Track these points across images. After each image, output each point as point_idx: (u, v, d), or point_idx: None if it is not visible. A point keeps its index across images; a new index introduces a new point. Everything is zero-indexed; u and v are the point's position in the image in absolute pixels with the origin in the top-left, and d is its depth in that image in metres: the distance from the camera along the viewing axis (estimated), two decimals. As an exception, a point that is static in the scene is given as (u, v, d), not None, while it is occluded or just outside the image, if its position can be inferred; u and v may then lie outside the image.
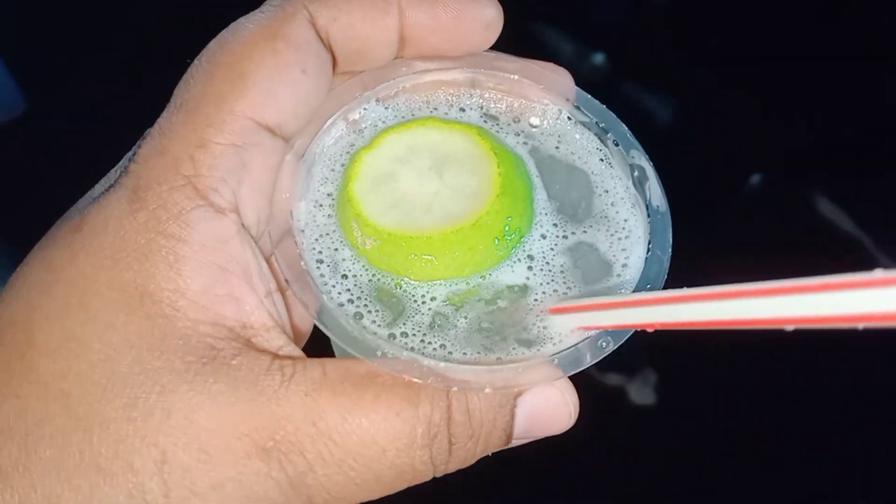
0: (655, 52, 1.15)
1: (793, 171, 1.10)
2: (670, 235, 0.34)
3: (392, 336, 0.31)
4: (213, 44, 0.31)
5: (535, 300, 0.33)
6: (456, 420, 0.29)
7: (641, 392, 1.03)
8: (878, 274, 0.19)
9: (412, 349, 0.31)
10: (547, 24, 1.16)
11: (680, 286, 0.27)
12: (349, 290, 0.32)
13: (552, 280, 0.33)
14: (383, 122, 0.36)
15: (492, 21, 0.33)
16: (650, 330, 0.28)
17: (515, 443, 0.31)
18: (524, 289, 0.33)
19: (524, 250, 0.34)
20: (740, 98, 1.11)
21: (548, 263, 0.34)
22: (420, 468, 0.29)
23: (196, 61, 0.31)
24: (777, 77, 1.09)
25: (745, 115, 1.13)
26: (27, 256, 0.30)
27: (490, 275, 0.33)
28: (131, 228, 0.28)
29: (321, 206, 0.34)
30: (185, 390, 0.27)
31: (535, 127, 0.37)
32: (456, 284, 0.33)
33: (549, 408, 0.30)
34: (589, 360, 0.31)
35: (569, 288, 0.33)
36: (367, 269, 0.33)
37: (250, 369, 0.28)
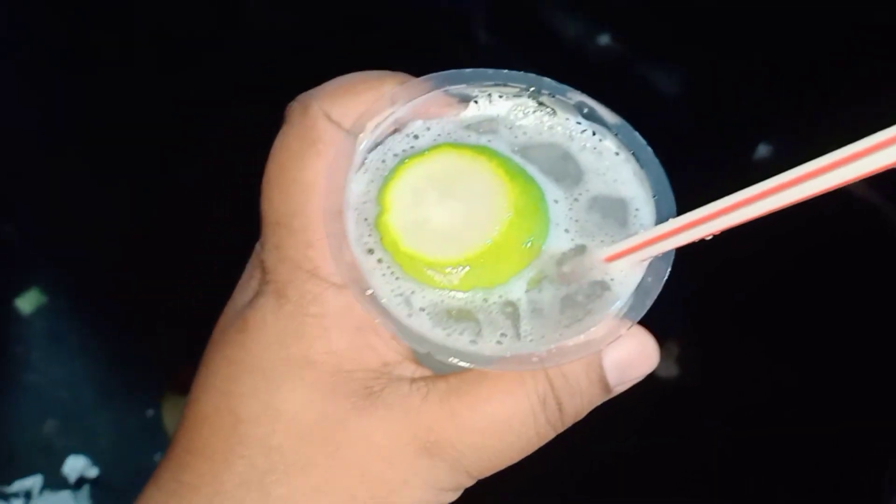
0: (660, 28, 1.16)
1: (801, 138, 1.11)
2: (638, 136, 0.40)
3: (473, 342, 0.37)
4: (272, 167, 0.39)
5: (591, 255, 0.38)
6: (556, 385, 0.37)
7: (664, 365, 1.05)
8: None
9: (501, 344, 0.37)
10: (552, 7, 1.18)
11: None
12: (428, 315, 0.38)
13: (594, 236, 0.39)
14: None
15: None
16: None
17: (620, 389, 0.39)
18: (579, 249, 0.38)
19: (553, 223, 0.39)
20: (745, 68, 1.12)
21: (577, 222, 0.39)
22: (542, 430, 0.38)
23: (266, 185, 0.39)
24: (782, 45, 1.10)
25: (751, 85, 1.13)
26: (205, 358, 0.40)
27: (545, 251, 0.38)
28: (283, 317, 0.37)
29: (381, 261, 0.38)
30: (358, 424, 0.37)
31: (496, 124, 0.41)
32: (521, 278, 0.38)
33: (630, 355, 0.38)
34: (653, 295, 0.37)
35: (613, 237, 0.38)
36: (440, 297, 0.38)
37: (398, 395, 0.37)
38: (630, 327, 0.37)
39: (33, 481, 1.15)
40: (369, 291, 0.37)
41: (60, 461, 1.16)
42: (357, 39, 1.25)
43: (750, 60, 1.12)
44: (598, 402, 0.39)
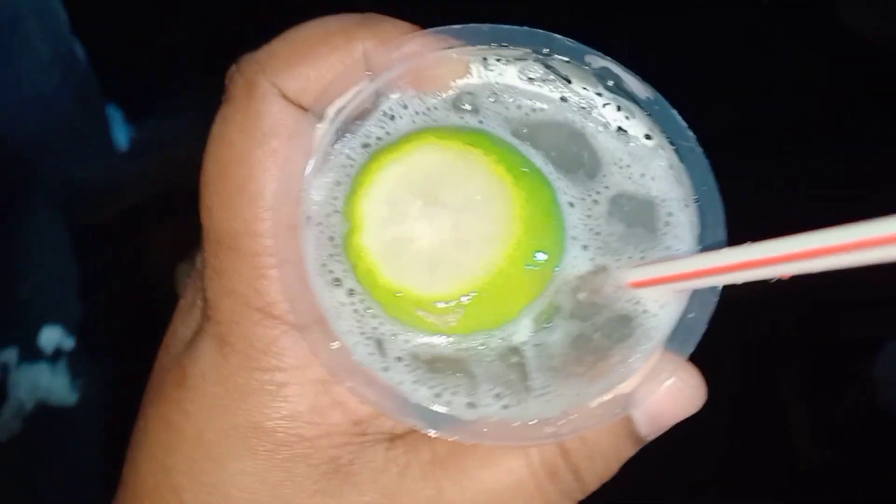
0: None
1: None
2: (678, 116, 0.31)
3: (471, 405, 0.29)
4: (212, 167, 0.31)
5: (612, 278, 0.30)
6: (571, 449, 0.30)
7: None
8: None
9: (506, 406, 0.29)
10: None
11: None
12: (409, 367, 0.30)
13: (617, 253, 0.31)
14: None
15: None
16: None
17: (653, 437, 0.31)
18: (599, 270, 0.30)
19: (569, 235, 0.31)
20: None
21: (598, 234, 0.31)
22: None
23: (205, 189, 0.31)
24: None
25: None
26: (142, 411, 0.33)
27: (558, 274, 0.30)
28: (227, 373, 0.30)
29: (353, 293, 0.30)
30: None
31: (494, 98, 0.32)
32: (529, 313, 0.30)
33: (668, 399, 0.30)
34: (697, 335, 0.29)
35: (641, 252, 0.30)
36: (426, 344, 0.30)
37: (369, 470, 0.30)
38: (669, 381, 0.29)
39: (9, 354, 1.11)
40: (335, 344, 0.29)
41: (35, 331, 1.12)
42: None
43: None
44: (629, 456, 0.31)
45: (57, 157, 1.06)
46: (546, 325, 0.30)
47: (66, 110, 1.04)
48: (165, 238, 1.15)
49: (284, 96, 0.30)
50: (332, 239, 0.30)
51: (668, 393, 0.29)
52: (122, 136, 1.17)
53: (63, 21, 0.99)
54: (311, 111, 0.30)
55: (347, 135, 0.31)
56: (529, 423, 0.28)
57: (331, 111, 0.30)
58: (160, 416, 0.32)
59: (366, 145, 0.31)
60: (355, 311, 0.30)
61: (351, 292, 0.30)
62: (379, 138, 0.31)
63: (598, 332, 0.30)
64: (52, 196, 1.09)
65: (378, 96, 0.31)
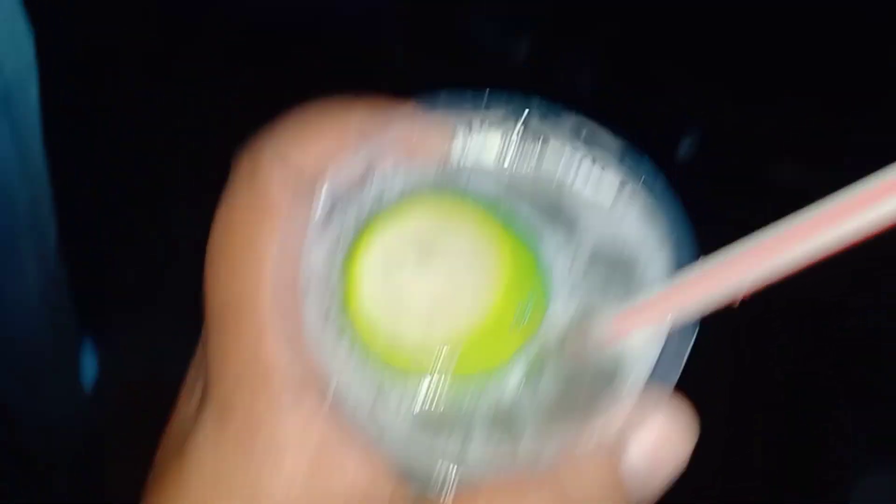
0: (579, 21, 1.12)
1: (726, 129, 1.08)
2: (648, 162, 0.34)
3: (464, 449, 0.30)
4: (216, 243, 0.32)
5: (599, 323, 0.32)
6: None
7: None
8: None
9: (497, 447, 0.30)
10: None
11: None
12: (409, 417, 0.31)
13: (600, 296, 0.33)
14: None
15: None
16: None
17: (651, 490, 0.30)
18: (584, 316, 0.32)
19: (553, 284, 0.33)
20: (665, 65, 1.08)
21: (580, 279, 0.33)
22: None
23: (209, 266, 0.32)
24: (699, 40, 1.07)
25: (669, 77, 1.10)
26: (145, 493, 0.32)
27: (545, 323, 0.32)
28: (225, 440, 0.30)
29: (351, 347, 0.32)
30: None
31: (477, 159, 0.35)
32: (520, 360, 0.32)
33: (655, 448, 0.29)
34: (679, 363, 0.30)
35: (622, 296, 0.32)
36: (423, 391, 0.32)
37: None
38: (656, 416, 0.29)
39: None
40: (335, 385, 0.30)
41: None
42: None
43: (666, 54, 1.08)
44: None
45: (25, 398, 1.02)
46: (536, 372, 0.31)
47: (42, 347, 1.02)
48: (130, 470, 1.10)
49: (286, 169, 0.32)
50: (331, 298, 0.32)
51: (656, 430, 0.29)
52: (89, 371, 1.16)
53: (54, 248, 0.99)
54: (310, 181, 0.32)
55: (343, 203, 0.33)
56: (523, 459, 0.29)
57: (328, 181, 0.33)
58: (163, 497, 0.31)
59: (360, 212, 0.34)
60: (353, 362, 0.31)
61: (350, 347, 0.32)
62: (371, 202, 0.34)
63: (588, 374, 0.31)
64: (17, 433, 1.05)
65: (371, 166, 0.34)
